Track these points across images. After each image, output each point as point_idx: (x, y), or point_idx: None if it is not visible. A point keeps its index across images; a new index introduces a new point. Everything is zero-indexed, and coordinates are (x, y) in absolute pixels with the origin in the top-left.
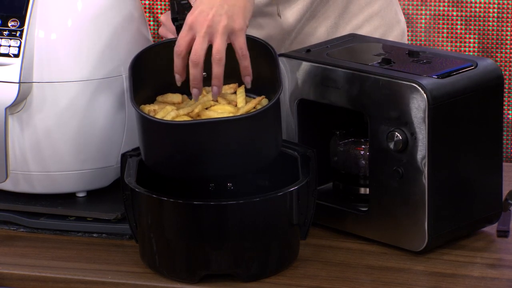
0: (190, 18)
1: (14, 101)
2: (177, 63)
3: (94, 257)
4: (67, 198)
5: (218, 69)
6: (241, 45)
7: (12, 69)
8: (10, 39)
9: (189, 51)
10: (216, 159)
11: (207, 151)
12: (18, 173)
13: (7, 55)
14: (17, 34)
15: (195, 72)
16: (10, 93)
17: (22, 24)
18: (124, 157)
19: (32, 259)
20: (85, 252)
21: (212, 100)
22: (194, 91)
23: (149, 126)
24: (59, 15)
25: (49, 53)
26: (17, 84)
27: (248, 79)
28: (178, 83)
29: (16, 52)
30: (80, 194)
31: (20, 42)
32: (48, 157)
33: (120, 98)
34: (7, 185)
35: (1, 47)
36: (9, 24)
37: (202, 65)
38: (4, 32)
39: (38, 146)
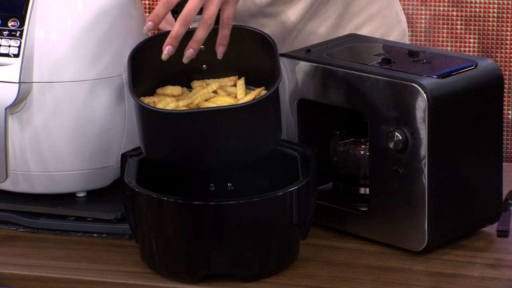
0: None
1: (14, 101)
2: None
3: (94, 257)
4: (67, 198)
5: (203, 32)
6: (229, 15)
7: (12, 69)
8: (10, 39)
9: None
10: (216, 149)
11: (207, 140)
12: (18, 173)
13: (7, 55)
14: (17, 34)
15: (182, 30)
16: (10, 93)
17: (22, 24)
18: (124, 157)
19: (32, 259)
20: (85, 252)
21: (184, 61)
22: (169, 48)
23: (149, 116)
24: (59, 15)
25: (49, 53)
26: (17, 84)
27: (221, 49)
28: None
29: (16, 52)
30: (80, 194)
31: (20, 42)
32: (48, 157)
33: (120, 98)
34: (7, 185)
35: (1, 47)
36: (9, 24)
37: (189, 25)
38: (4, 32)
39: (38, 146)
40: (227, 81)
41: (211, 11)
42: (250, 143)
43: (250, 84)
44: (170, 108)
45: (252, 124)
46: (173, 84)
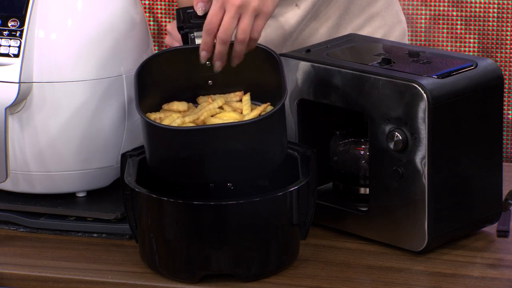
0: None
1: (14, 101)
2: (207, 40)
3: (94, 257)
4: (67, 198)
5: (240, 47)
6: (259, 28)
7: (12, 69)
8: (10, 39)
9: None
10: (221, 165)
11: (212, 157)
12: (18, 173)
13: (7, 55)
14: (17, 34)
15: (223, 49)
16: (10, 93)
17: (22, 24)
18: (124, 157)
19: (32, 259)
20: (85, 252)
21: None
22: (218, 63)
23: (154, 132)
24: (59, 15)
25: (49, 53)
26: (17, 84)
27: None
28: (203, 60)
29: (16, 52)
30: (80, 194)
31: (20, 42)
32: (48, 157)
33: (120, 98)
34: (7, 185)
35: (1, 47)
36: (9, 24)
37: (229, 42)
38: (4, 32)
39: (38, 146)
40: (233, 96)
41: (245, 24)
42: (256, 158)
43: (256, 100)
44: (176, 124)
45: (257, 140)
46: (179, 100)
